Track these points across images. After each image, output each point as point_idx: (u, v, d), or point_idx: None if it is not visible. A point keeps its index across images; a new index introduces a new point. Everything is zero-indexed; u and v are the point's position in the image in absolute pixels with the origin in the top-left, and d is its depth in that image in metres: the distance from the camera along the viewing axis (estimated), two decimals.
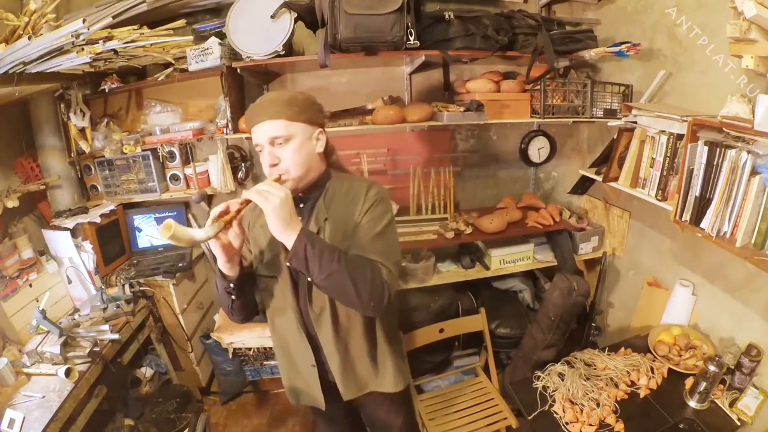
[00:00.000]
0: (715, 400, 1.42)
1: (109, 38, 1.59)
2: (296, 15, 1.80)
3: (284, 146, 1.02)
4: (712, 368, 1.35)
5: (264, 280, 1.17)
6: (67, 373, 1.52)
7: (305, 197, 1.13)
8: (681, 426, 1.34)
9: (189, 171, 2.22)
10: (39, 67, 1.56)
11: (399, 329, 1.40)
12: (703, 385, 1.39)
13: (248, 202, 0.95)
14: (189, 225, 2.42)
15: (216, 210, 0.95)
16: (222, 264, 1.03)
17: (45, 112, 1.98)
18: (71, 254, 1.99)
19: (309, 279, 1.01)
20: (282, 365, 1.30)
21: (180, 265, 2.21)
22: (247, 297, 1.16)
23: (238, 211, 0.96)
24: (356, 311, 1.11)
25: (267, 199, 0.90)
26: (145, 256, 2.34)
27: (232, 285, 1.07)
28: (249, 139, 2.16)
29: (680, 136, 1.45)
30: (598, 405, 1.40)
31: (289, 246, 0.93)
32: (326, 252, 0.94)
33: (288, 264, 0.98)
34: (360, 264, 0.98)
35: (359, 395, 1.25)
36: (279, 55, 1.82)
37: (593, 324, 2.35)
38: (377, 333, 1.21)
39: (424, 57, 2.00)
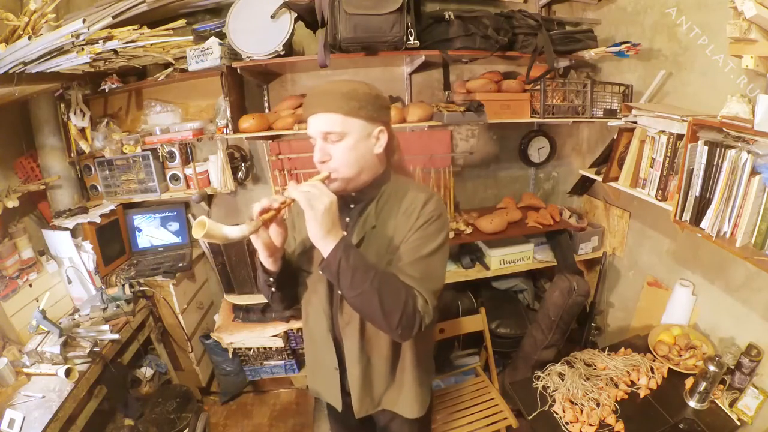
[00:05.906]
0: (715, 400, 1.42)
1: (109, 38, 1.58)
2: (296, 15, 1.80)
3: (337, 143, 0.96)
4: (712, 368, 1.36)
5: (303, 273, 1.14)
6: (67, 373, 1.53)
7: (357, 198, 1.06)
8: (681, 426, 1.34)
9: (189, 171, 2.22)
10: (39, 67, 1.55)
11: (432, 358, 1.32)
12: (703, 385, 1.39)
13: (291, 201, 0.91)
14: (189, 225, 2.42)
15: (256, 207, 0.91)
16: (263, 259, 1.00)
17: (45, 112, 1.98)
18: (71, 254, 1.99)
19: (339, 291, 0.98)
20: (308, 358, 1.29)
21: (180, 265, 2.21)
22: (289, 289, 1.13)
23: (278, 210, 0.91)
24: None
25: (311, 203, 0.85)
26: (145, 256, 2.33)
27: (272, 279, 1.04)
28: (249, 139, 2.16)
29: (680, 136, 1.45)
30: (598, 405, 1.40)
31: (325, 254, 0.89)
32: (360, 269, 0.89)
33: (320, 271, 0.94)
34: (394, 288, 0.93)
35: (372, 412, 1.21)
36: (279, 55, 1.82)
37: (593, 324, 2.35)
38: (404, 354, 1.15)
39: (424, 57, 2.00)
